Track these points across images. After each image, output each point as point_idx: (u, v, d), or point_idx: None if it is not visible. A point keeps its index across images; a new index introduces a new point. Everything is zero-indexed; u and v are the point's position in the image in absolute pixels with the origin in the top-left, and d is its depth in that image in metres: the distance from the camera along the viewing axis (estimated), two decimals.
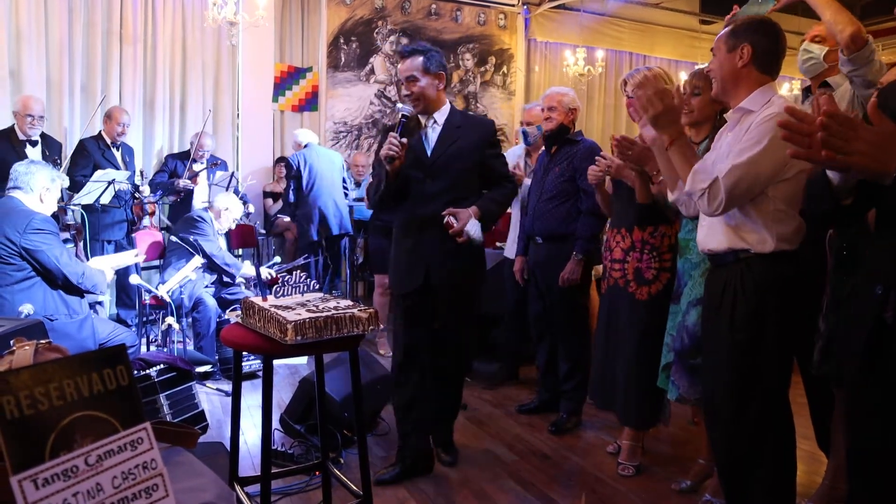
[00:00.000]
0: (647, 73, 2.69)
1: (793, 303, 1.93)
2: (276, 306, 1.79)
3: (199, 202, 5.42)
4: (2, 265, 3.08)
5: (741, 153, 1.85)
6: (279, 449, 3.03)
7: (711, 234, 2.02)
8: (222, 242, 4.63)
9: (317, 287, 1.96)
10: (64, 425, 0.76)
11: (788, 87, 8.22)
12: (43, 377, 0.75)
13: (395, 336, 2.98)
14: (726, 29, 2.02)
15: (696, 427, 3.29)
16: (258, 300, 1.85)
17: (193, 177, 5.41)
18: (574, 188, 3.36)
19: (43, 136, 4.81)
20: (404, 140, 2.56)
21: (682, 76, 7.44)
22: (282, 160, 6.35)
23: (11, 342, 2.16)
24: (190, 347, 4.20)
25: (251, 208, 5.65)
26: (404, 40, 7.20)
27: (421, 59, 2.66)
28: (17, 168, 3.21)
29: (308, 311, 1.76)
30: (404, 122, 2.62)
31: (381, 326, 4.18)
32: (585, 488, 2.78)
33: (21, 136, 4.65)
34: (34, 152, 4.65)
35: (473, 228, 2.57)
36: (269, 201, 6.27)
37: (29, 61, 5.40)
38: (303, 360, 4.35)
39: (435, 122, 2.75)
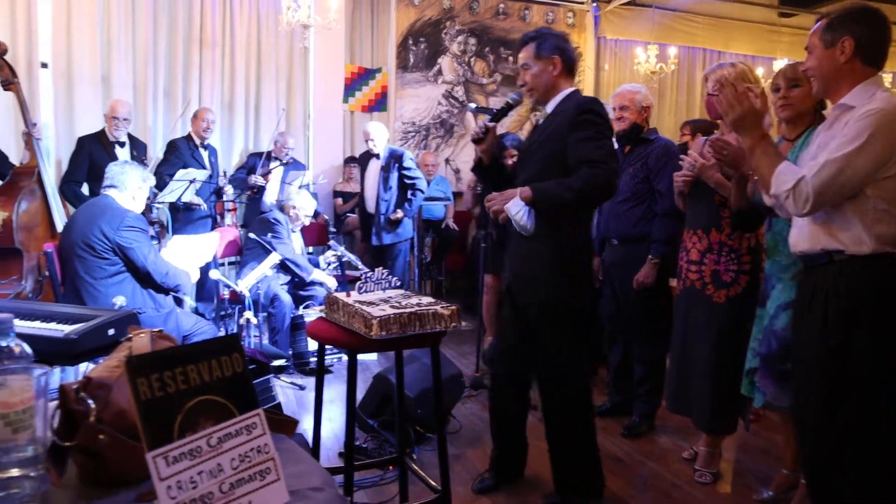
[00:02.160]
0: (728, 72, 2.60)
1: (891, 308, 1.84)
2: (359, 302, 1.83)
3: (270, 200, 5.58)
4: (97, 259, 3.25)
5: (837, 149, 1.77)
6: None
7: (804, 235, 1.95)
8: (297, 239, 4.76)
9: (398, 284, 1.99)
10: (189, 408, 0.80)
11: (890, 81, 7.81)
12: (170, 362, 0.79)
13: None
14: (820, 23, 1.91)
15: (755, 428, 3.17)
16: (342, 295, 1.89)
17: (266, 174, 5.57)
18: (648, 189, 3.28)
19: (130, 137, 5.04)
20: (491, 124, 2.51)
21: (760, 73, 7.19)
22: (352, 160, 6.47)
23: (109, 331, 2.27)
24: (265, 342, 4.34)
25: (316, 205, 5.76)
26: (472, 41, 7.22)
27: (534, 44, 2.49)
28: (112, 168, 3.39)
29: (392, 307, 1.79)
30: (504, 108, 2.56)
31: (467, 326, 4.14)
32: (661, 494, 2.72)
33: (111, 138, 4.89)
34: (123, 153, 4.89)
35: (516, 210, 2.29)
36: (339, 200, 6.39)
37: (118, 67, 5.68)
38: (373, 355, 4.42)
39: (546, 111, 2.56)
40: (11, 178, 3.74)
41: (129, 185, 3.36)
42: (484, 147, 2.55)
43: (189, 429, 0.79)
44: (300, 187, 5.36)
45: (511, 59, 7.39)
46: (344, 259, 4.62)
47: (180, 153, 5.16)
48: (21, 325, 2.55)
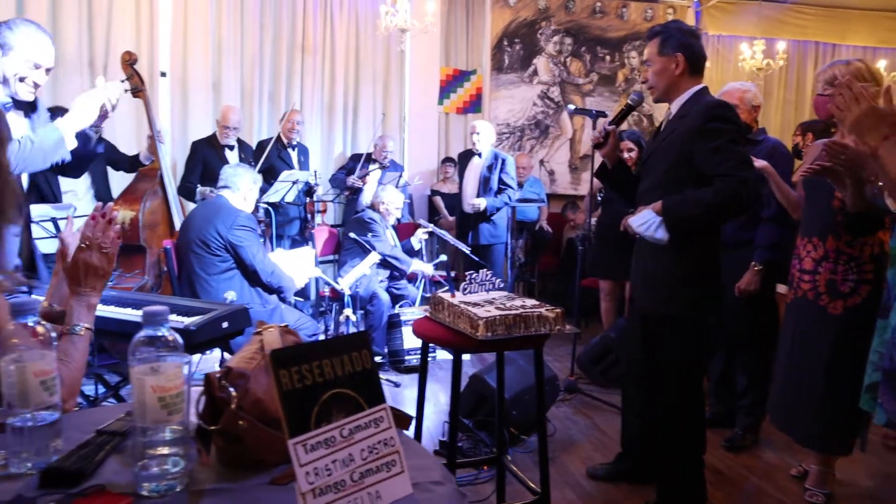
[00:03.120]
0: (841, 70, 2.43)
1: None
2: (465, 302, 1.86)
3: (366, 201, 5.74)
4: (210, 256, 3.45)
5: None
6: (447, 441, 3.14)
7: None
8: (391, 235, 4.87)
9: (502, 286, 2.01)
10: (324, 400, 0.85)
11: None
12: (308, 356, 0.84)
13: None
14: None
15: (872, 448, 2.95)
16: (447, 295, 1.93)
17: (363, 176, 5.73)
18: None
19: (238, 140, 5.32)
20: (611, 127, 2.43)
21: (882, 65, 6.72)
22: (448, 160, 6.55)
23: (223, 324, 2.39)
24: None
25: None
26: (568, 40, 7.14)
27: (657, 40, 2.36)
28: (226, 170, 3.60)
29: (497, 308, 1.80)
30: (624, 110, 2.48)
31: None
32: None
33: (221, 142, 5.18)
34: (232, 156, 5.16)
35: (645, 224, 2.20)
36: (438, 199, 6.48)
37: (227, 73, 6.00)
38: (466, 355, 4.46)
39: (670, 112, 2.44)
40: (136, 179, 4.04)
41: (241, 187, 3.56)
42: (606, 151, 2.48)
43: (324, 419, 0.84)
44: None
45: (608, 58, 7.26)
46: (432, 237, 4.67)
47: (267, 155, 5.38)
48: (140, 316, 2.75)
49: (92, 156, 2.58)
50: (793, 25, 7.70)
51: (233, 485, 0.95)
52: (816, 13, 7.74)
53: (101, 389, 3.21)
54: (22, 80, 2.29)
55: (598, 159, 2.72)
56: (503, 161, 5.18)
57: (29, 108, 2.45)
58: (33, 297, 1.47)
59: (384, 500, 0.87)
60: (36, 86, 2.35)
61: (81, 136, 2.41)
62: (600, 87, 7.20)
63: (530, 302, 1.92)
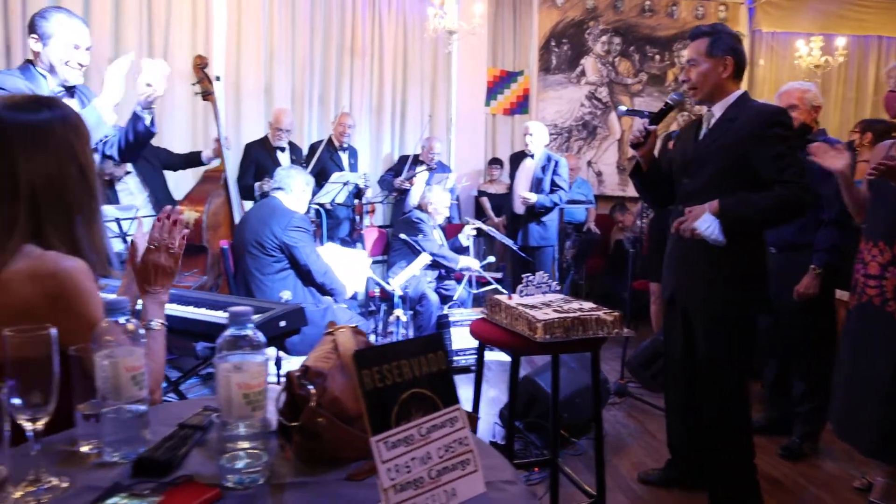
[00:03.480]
0: None
1: None
2: (522, 304, 1.88)
3: (413, 202, 5.79)
4: (265, 257, 3.54)
5: None
6: (498, 442, 3.15)
7: None
8: (438, 234, 4.90)
9: (557, 288, 2.02)
10: (403, 399, 0.87)
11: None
12: (388, 357, 0.87)
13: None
14: None
15: None
16: (504, 297, 1.94)
17: (410, 177, 5.78)
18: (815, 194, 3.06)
19: (289, 143, 5.44)
20: (652, 127, 2.41)
21: None
22: (495, 161, 6.56)
23: (281, 323, 2.43)
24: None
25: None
26: (616, 40, 7.08)
27: (707, 40, 2.33)
28: (280, 172, 3.69)
29: (554, 310, 1.81)
30: (664, 110, 2.44)
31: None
32: None
33: (273, 144, 5.29)
34: (284, 157, 5.27)
35: (705, 225, 2.18)
36: (484, 200, 6.49)
37: (279, 77, 6.13)
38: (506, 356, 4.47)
39: (713, 115, 2.42)
40: (201, 181, 4.18)
41: (294, 188, 3.64)
42: (643, 151, 2.46)
43: (403, 418, 0.87)
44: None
45: (657, 57, 7.17)
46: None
47: (319, 157, 5.48)
48: (207, 314, 2.85)
49: (146, 135, 2.66)
50: (852, 20, 7.46)
51: (311, 479, 0.99)
52: (878, 5, 7.47)
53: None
54: (67, 63, 2.42)
55: None
56: (556, 162, 5.16)
57: (77, 93, 2.59)
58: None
59: (459, 498, 0.90)
60: (81, 66, 2.48)
61: (132, 119, 2.52)
62: (649, 86, 7.12)
63: (587, 305, 1.92)
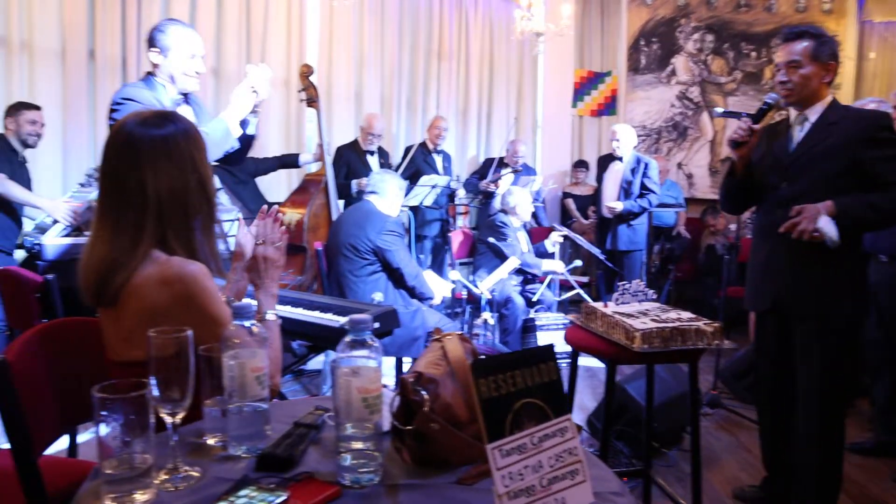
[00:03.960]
0: None
1: None
2: (618, 313, 1.86)
3: (498, 205, 5.81)
4: (358, 259, 3.65)
5: None
6: (586, 449, 3.12)
7: None
8: (523, 237, 4.90)
9: (654, 297, 1.99)
10: (516, 408, 0.90)
11: None
12: (503, 367, 0.90)
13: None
14: None
15: None
16: (600, 305, 1.93)
17: (496, 180, 5.80)
18: None
19: (378, 147, 5.57)
20: (756, 126, 2.32)
21: None
22: (581, 164, 6.49)
23: (375, 324, 2.50)
24: (496, 342, 4.53)
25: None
26: (709, 37, 6.85)
27: (811, 43, 2.26)
28: (374, 176, 3.78)
29: (652, 320, 1.79)
30: (764, 109, 2.37)
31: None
32: None
33: (363, 148, 5.44)
34: (374, 161, 5.41)
35: (823, 223, 2.09)
36: (570, 202, 6.44)
37: (369, 82, 6.29)
38: (597, 363, 4.41)
39: (806, 118, 2.35)
40: (303, 184, 4.40)
41: (388, 192, 3.72)
42: (744, 152, 2.37)
43: (516, 427, 0.89)
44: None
45: (754, 54, 6.88)
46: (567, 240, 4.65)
47: (415, 160, 5.57)
48: (305, 314, 2.97)
49: (248, 140, 2.80)
50: None
51: (423, 481, 1.03)
52: None
53: None
54: (185, 72, 2.56)
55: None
56: (646, 165, 5.05)
57: (191, 101, 2.75)
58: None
59: None
60: (197, 74, 2.61)
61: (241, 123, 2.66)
62: (744, 85, 6.85)
63: (685, 314, 1.88)
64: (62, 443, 1.88)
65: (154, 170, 1.33)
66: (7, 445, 1.28)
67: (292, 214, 4.12)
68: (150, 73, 2.63)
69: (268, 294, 1.54)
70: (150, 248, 1.32)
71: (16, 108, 3.80)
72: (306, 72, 4.21)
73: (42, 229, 3.70)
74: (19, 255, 4.24)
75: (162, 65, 2.56)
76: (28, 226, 4.18)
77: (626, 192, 5.02)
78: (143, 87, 2.54)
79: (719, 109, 3.64)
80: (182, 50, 2.55)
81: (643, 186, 4.99)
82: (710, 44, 6.88)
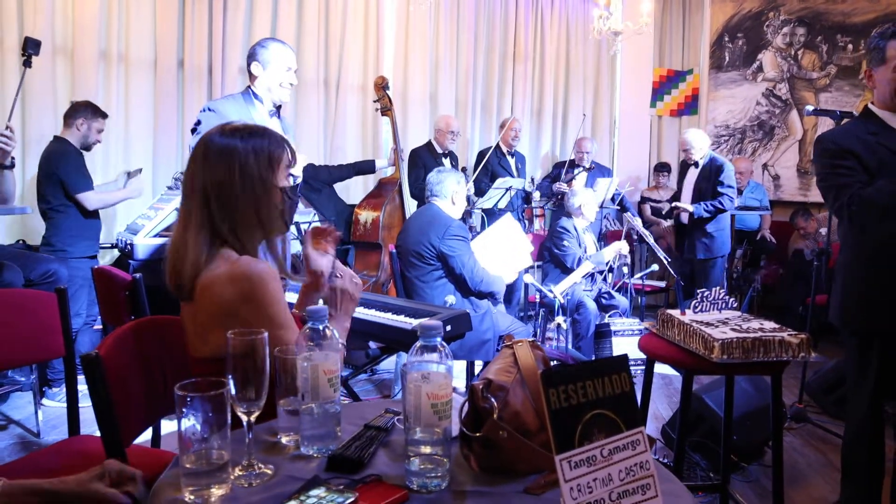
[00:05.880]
0: None
1: None
2: (696, 321, 1.79)
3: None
4: (424, 265, 3.65)
5: None
6: (660, 460, 3.03)
7: None
8: (590, 238, 4.78)
9: (735, 305, 1.90)
10: (587, 420, 0.88)
11: None
12: (574, 377, 0.88)
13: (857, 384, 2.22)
14: None
15: None
16: (676, 313, 1.87)
17: (569, 181, 5.72)
18: None
19: (449, 151, 5.60)
20: None
21: None
22: (662, 167, 6.31)
23: (447, 328, 2.50)
24: (569, 347, 4.46)
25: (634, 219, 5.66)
26: (800, 30, 6.51)
27: None
28: (430, 178, 3.77)
29: (733, 329, 1.72)
30: None
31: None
32: None
33: (438, 150, 5.48)
34: (446, 162, 5.44)
35: None
36: (647, 207, 6.28)
37: (443, 85, 6.33)
38: (670, 370, 4.27)
39: None
40: (378, 186, 4.51)
41: (447, 192, 3.70)
42: None
43: (586, 438, 0.87)
44: (605, 194, 5.40)
45: (850, 46, 6.48)
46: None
47: (490, 163, 5.55)
48: (378, 316, 3.01)
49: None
50: None
51: (490, 489, 1.02)
52: None
53: None
54: (281, 84, 2.80)
55: None
56: (719, 167, 4.84)
57: (278, 115, 2.94)
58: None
59: None
60: (291, 85, 2.85)
61: None
62: (839, 80, 6.46)
63: (769, 324, 1.79)
64: (146, 433, 1.98)
65: (211, 170, 1.39)
66: (99, 433, 1.37)
67: (368, 214, 4.29)
68: (248, 87, 2.83)
69: (341, 325, 1.57)
70: (215, 245, 1.38)
71: (92, 112, 3.78)
72: (381, 83, 4.40)
73: (134, 231, 3.90)
74: (114, 254, 4.51)
75: (261, 76, 2.79)
76: (120, 226, 4.43)
77: (699, 197, 4.84)
78: (231, 101, 2.72)
79: (810, 107, 3.45)
80: (280, 63, 2.79)
81: (716, 190, 4.79)
82: (801, 38, 6.54)
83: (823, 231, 4.66)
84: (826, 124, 5.13)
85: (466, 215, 4.93)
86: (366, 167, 5.04)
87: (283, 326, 1.34)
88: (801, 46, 6.54)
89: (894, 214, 1.98)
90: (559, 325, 3.93)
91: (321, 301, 1.60)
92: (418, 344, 1.03)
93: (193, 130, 2.74)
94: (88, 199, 3.68)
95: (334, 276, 1.57)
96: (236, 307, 1.32)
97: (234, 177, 1.37)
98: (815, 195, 6.30)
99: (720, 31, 6.57)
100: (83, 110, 3.77)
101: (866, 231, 2.03)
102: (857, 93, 6.29)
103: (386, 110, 4.39)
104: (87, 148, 3.83)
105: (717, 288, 1.89)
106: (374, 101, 4.48)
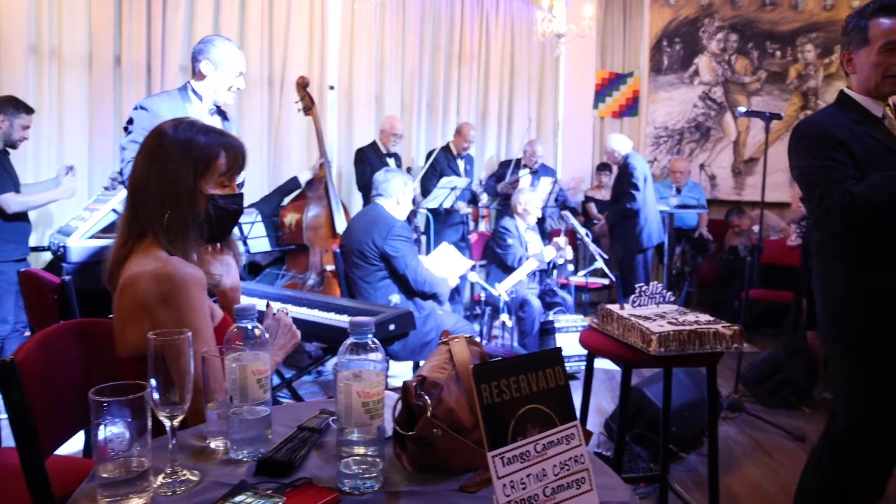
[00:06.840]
0: None
1: None
2: (635, 315, 1.82)
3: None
4: (367, 265, 3.61)
5: None
6: (603, 453, 3.07)
7: None
8: (533, 237, 4.82)
9: (672, 299, 1.94)
10: (519, 415, 0.87)
11: None
12: (506, 372, 0.87)
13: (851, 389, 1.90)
14: None
15: None
16: (616, 308, 1.89)
17: (514, 182, 5.76)
18: None
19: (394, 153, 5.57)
20: None
21: None
22: (604, 167, 6.42)
23: (390, 326, 2.49)
24: (514, 344, 4.49)
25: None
26: (733, 37, 6.75)
27: None
28: (377, 177, 3.74)
29: (669, 322, 1.74)
30: None
31: None
32: None
33: (383, 150, 5.43)
34: (391, 162, 5.40)
35: None
36: (591, 206, 6.38)
37: (389, 86, 6.28)
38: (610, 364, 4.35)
39: None
40: (306, 185, 4.42)
41: (392, 192, 3.67)
42: None
43: (519, 434, 0.86)
44: (548, 194, 5.45)
45: (779, 53, 6.75)
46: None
47: (438, 164, 5.55)
48: (319, 316, 2.96)
49: None
50: None
51: (425, 488, 1.00)
52: None
53: (276, 380, 3.48)
54: (230, 88, 2.68)
55: (773, 162, 2.34)
56: (626, 166, 5.14)
57: (221, 114, 2.83)
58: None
59: None
60: (238, 90, 2.74)
61: None
62: (769, 84, 6.72)
63: (704, 317, 1.83)
64: (78, 443, 1.89)
65: (141, 163, 1.39)
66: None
67: (291, 216, 4.30)
68: (188, 83, 2.71)
69: (272, 359, 1.53)
70: (144, 238, 1.36)
71: (14, 107, 3.55)
72: (301, 82, 4.39)
73: (67, 233, 3.73)
74: (46, 257, 4.30)
75: (210, 76, 2.65)
76: (52, 228, 4.22)
77: (615, 195, 5.10)
78: (166, 98, 2.61)
79: (742, 109, 3.57)
80: (232, 67, 2.66)
81: (625, 190, 5.07)
82: (734, 44, 6.78)
83: (756, 228, 4.82)
84: (758, 126, 5.33)
85: (412, 215, 4.90)
86: (292, 186, 4.94)
87: (197, 335, 1.28)
88: (735, 52, 6.77)
89: (893, 216, 1.76)
90: (504, 322, 3.94)
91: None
92: (349, 341, 1.00)
93: (126, 129, 2.63)
94: (7, 201, 3.49)
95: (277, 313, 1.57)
96: (154, 306, 1.28)
97: (150, 174, 1.34)
98: (749, 194, 6.53)
99: (659, 36, 6.74)
100: (4, 106, 3.57)
101: (859, 232, 1.79)
102: (784, 97, 6.56)
103: (308, 109, 4.37)
104: (13, 146, 3.63)
105: (656, 282, 1.92)
106: (296, 102, 4.44)
